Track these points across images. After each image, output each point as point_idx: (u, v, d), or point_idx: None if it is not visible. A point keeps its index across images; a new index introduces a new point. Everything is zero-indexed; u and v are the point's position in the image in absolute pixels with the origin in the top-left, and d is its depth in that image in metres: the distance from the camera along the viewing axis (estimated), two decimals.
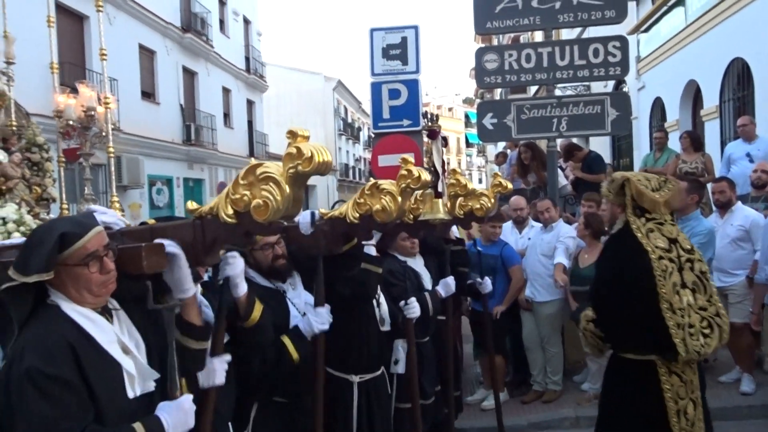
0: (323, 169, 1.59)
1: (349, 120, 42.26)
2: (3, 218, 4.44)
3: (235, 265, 2.23)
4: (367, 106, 44.20)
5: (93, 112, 5.53)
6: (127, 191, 14.22)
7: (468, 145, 59.91)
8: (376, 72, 7.25)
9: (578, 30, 11.43)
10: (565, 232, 5.24)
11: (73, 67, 12.33)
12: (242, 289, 2.30)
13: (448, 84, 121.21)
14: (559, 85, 8.78)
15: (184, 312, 1.86)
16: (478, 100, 30.48)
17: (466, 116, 58.40)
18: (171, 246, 1.75)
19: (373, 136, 7.94)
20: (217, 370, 2.07)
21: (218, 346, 2.14)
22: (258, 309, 2.39)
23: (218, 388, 2.09)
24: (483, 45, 14.65)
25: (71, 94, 5.57)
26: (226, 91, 21.89)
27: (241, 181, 1.65)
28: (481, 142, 39.52)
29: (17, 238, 3.49)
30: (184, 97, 18.40)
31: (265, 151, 25.60)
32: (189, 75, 18.93)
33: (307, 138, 1.61)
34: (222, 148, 20.30)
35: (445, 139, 2.53)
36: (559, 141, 7.39)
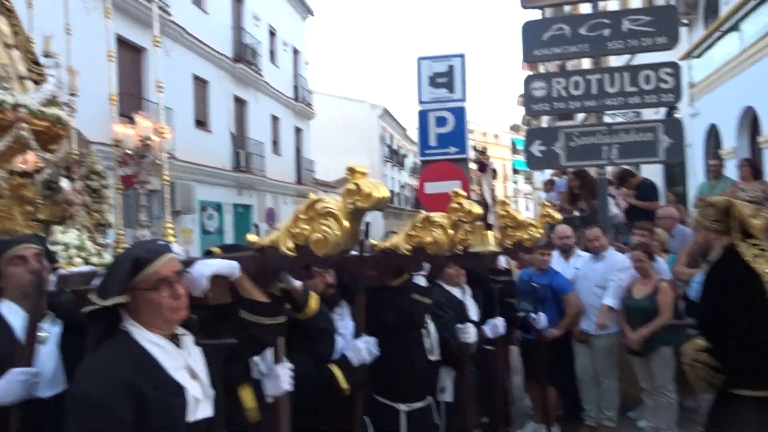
0: (381, 205, 1.62)
1: (395, 147, 42.60)
2: (66, 244, 4.64)
3: None
4: (413, 134, 44.65)
5: (149, 142, 5.76)
6: (179, 216, 14.64)
7: (515, 171, 59.44)
8: (424, 100, 7.33)
9: (627, 56, 11.29)
10: (618, 262, 5.11)
11: (130, 97, 12.88)
12: (295, 281, 2.27)
13: (494, 110, 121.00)
14: (609, 112, 8.67)
15: (244, 291, 1.89)
16: (525, 127, 30.29)
17: (513, 143, 58.08)
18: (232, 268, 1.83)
19: (420, 163, 7.99)
20: (281, 376, 2.08)
21: (279, 353, 2.14)
22: (315, 297, 2.39)
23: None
24: (531, 72, 14.59)
25: (129, 125, 5.82)
26: (274, 119, 22.44)
27: (301, 215, 1.69)
28: (528, 169, 39.23)
29: (83, 266, 3.64)
30: (235, 125, 18.94)
31: (312, 177, 26.01)
32: (239, 103, 19.51)
33: (365, 174, 1.65)
34: (270, 175, 20.73)
35: (494, 171, 2.54)
36: (609, 168, 7.27)
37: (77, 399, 1.56)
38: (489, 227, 2.46)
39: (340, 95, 37.95)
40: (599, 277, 5.08)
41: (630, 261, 4.98)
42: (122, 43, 12.83)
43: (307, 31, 26.60)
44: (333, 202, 1.66)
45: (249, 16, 20.25)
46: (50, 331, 2.36)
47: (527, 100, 7.26)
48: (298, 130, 25.10)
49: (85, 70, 6.87)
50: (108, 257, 5.13)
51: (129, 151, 5.77)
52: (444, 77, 7.29)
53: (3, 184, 5.12)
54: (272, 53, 22.56)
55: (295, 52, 25.02)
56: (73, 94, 6.05)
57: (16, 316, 2.32)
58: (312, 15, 26.48)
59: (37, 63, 5.72)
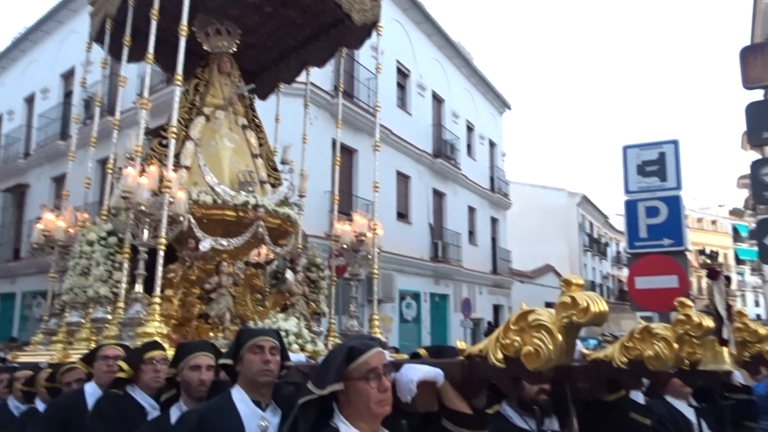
0: (600, 320, 1.54)
1: (595, 235, 40.50)
2: (286, 330, 5.05)
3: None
4: (615, 221, 42.07)
5: (363, 238, 6.20)
6: (380, 305, 15.30)
7: (738, 262, 52.53)
8: (631, 189, 6.92)
9: None
10: None
11: (342, 194, 14.10)
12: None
13: (709, 193, 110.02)
14: None
15: (447, 400, 1.86)
16: (749, 212, 26.92)
17: (735, 230, 51.73)
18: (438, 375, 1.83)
19: (629, 255, 7.47)
20: None
21: None
22: None
23: None
24: (759, 156, 13.14)
25: (346, 221, 6.35)
26: (471, 210, 22.85)
27: (512, 326, 1.67)
28: (758, 260, 34.40)
29: (299, 354, 3.94)
30: (433, 217, 19.63)
31: (509, 267, 25.65)
32: (438, 196, 20.27)
33: (581, 286, 1.59)
34: (466, 265, 20.89)
35: (728, 278, 2.26)
36: None
37: None
38: (723, 342, 2.16)
39: (537, 184, 37.55)
40: None
41: None
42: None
43: (504, 124, 27.18)
44: (546, 314, 1.62)
45: (448, 114, 21.36)
46: (271, 421, 2.48)
47: (756, 186, 6.51)
48: (494, 221, 25.19)
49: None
50: (320, 345, 5.50)
51: (345, 246, 6.29)
52: (654, 165, 6.86)
53: (240, 274, 5.85)
54: (469, 147, 23.34)
55: (492, 144, 25.59)
56: (302, 195, 6.82)
57: (243, 404, 2.51)
58: (509, 109, 27.07)
59: (275, 168, 6.62)
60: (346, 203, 14.71)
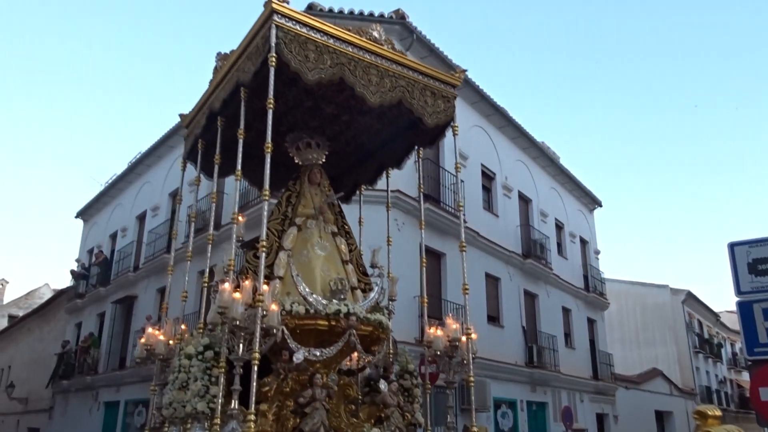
0: None
1: (706, 335, 37.41)
2: None
3: None
4: (726, 319, 38.83)
5: (457, 343, 6.01)
6: (475, 414, 14.60)
7: None
8: (743, 290, 6.45)
9: None
10: None
11: (431, 299, 14.00)
12: None
13: None
14: None
15: None
16: None
17: None
18: None
19: (749, 362, 6.81)
20: None
21: None
22: None
23: None
24: None
25: (439, 327, 6.19)
26: (566, 311, 21.92)
27: None
28: None
29: None
30: (526, 319, 18.96)
31: (611, 371, 23.99)
32: (530, 297, 19.68)
33: (718, 419, 1.47)
34: (564, 370, 19.75)
35: None
36: None
37: None
38: None
39: (635, 281, 35.70)
40: None
41: None
42: (426, 250, 14.38)
43: (595, 221, 26.52)
44: None
45: (536, 214, 21.18)
46: None
47: None
48: (591, 321, 23.96)
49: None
50: None
51: (438, 352, 6.09)
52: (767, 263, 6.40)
53: (333, 386, 5.76)
54: (560, 246, 22.80)
55: (583, 242, 24.89)
56: (392, 299, 6.65)
57: None
58: (599, 206, 26.50)
59: (365, 273, 6.60)
60: (435, 307, 14.55)
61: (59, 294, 27.05)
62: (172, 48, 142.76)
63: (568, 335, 21.74)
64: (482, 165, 18.34)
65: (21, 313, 33.85)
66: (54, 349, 23.86)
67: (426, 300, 7.08)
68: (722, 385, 38.05)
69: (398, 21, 14.38)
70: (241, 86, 5.43)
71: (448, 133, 6.83)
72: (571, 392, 20.40)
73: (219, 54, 6.46)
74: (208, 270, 6.00)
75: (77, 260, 26.04)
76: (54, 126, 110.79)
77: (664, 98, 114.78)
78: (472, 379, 5.88)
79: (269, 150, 5.02)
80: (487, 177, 18.89)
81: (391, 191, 13.18)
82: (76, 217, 27.67)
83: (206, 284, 5.86)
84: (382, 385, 5.89)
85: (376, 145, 7.11)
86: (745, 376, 35.46)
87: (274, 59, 4.99)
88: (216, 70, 6.39)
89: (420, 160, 7.47)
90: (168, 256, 18.21)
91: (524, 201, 20.84)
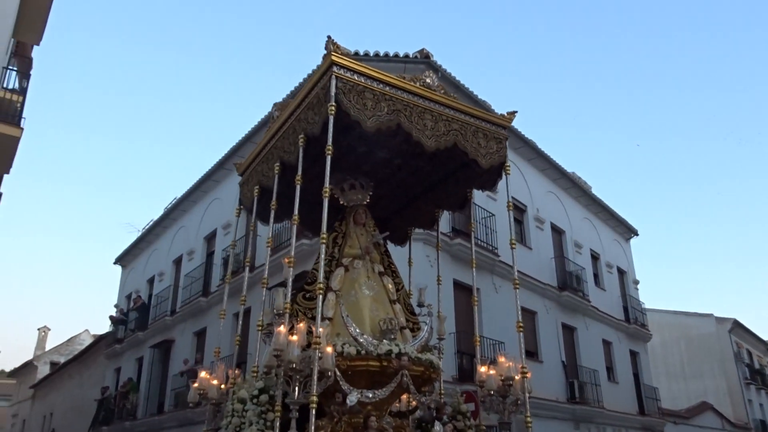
0: None
1: (756, 366, 35.84)
2: None
3: None
4: None
5: (511, 382, 5.77)
6: None
7: None
8: None
9: None
10: None
11: (467, 335, 13.80)
12: None
13: None
14: None
15: None
16: None
17: None
18: None
19: None
20: None
21: None
22: None
23: None
24: None
25: (491, 366, 5.96)
26: (606, 344, 21.30)
27: None
28: None
29: None
30: (565, 354, 18.49)
31: (657, 406, 23.09)
32: (568, 331, 19.22)
33: None
34: (608, 406, 19.09)
35: None
36: None
37: None
38: None
39: (678, 310, 34.58)
40: None
41: None
42: (458, 285, 14.26)
43: (633, 251, 25.96)
44: None
45: (570, 246, 20.84)
46: None
47: None
48: (634, 354, 23.20)
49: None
50: None
51: (492, 392, 5.81)
52: None
53: (389, 429, 5.54)
54: (597, 277, 22.32)
55: (621, 272, 24.33)
56: (441, 338, 6.56)
57: None
58: (636, 234, 25.98)
59: (412, 312, 6.52)
60: (470, 344, 14.32)
61: (99, 339, 27.49)
62: (209, 93, 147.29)
63: (610, 369, 21.06)
64: (513, 198, 18.20)
65: (62, 360, 34.43)
66: (94, 395, 24.14)
67: (478, 339, 7.00)
68: None
69: (423, 60, 14.60)
70: (304, 135, 5.58)
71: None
72: (616, 429, 19.68)
73: (276, 104, 6.69)
74: (261, 314, 5.91)
75: (116, 306, 26.52)
76: (91, 173, 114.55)
77: (699, 123, 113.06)
78: (529, 419, 5.67)
79: (327, 194, 5.13)
80: (519, 209, 18.75)
81: (423, 229, 13.17)
82: (115, 263, 28.30)
83: (260, 329, 5.85)
84: (438, 427, 5.76)
85: (428, 186, 7.12)
86: None
87: (333, 108, 5.16)
88: (272, 119, 6.60)
89: (471, 201, 7.57)
90: (204, 300, 18.50)
91: (557, 232, 20.56)
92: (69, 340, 40.10)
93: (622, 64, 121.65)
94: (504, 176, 6.49)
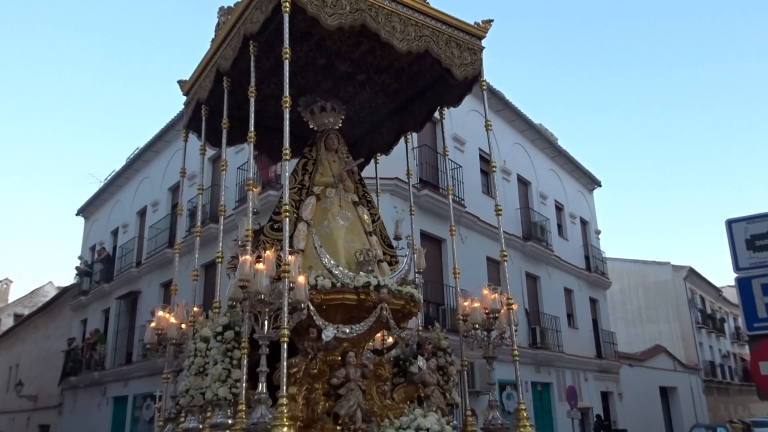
0: None
1: (708, 311, 37.55)
2: (426, 429, 4.41)
3: None
4: (729, 293, 38.94)
5: (496, 315, 5.54)
6: (479, 397, 14.71)
7: None
8: (742, 266, 6.45)
9: None
10: None
11: (432, 284, 14.07)
12: None
13: None
14: None
15: None
16: None
17: None
18: None
19: (747, 338, 6.87)
20: None
21: None
22: None
23: None
24: None
25: (476, 299, 5.68)
26: (568, 292, 22.00)
27: None
28: None
29: None
30: (529, 301, 19.05)
31: (614, 350, 24.14)
32: (532, 280, 19.76)
33: None
34: (568, 350, 19.88)
35: None
36: None
37: None
38: None
39: (637, 259, 35.77)
40: None
41: None
42: (425, 236, 14.42)
43: (595, 201, 26.53)
44: None
45: (536, 197, 21.19)
46: None
47: None
48: (593, 301, 24.05)
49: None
50: None
51: (477, 326, 5.56)
52: (765, 239, 6.42)
53: (369, 364, 5.20)
54: (560, 227, 22.84)
55: (584, 223, 24.92)
56: (419, 272, 6.13)
57: None
58: (599, 186, 26.49)
59: (390, 246, 6.09)
60: (437, 292, 14.62)
61: (63, 291, 27.20)
62: (170, 41, 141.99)
63: (570, 316, 21.84)
64: (480, 149, 18.32)
65: (26, 312, 34.04)
66: (60, 347, 24.04)
67: (458, 271, 6.68)
68: (726, 360, 38.26)
69: None
70: (250, 39, 5.04)
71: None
72: (575, 372, 20.55)
73: (222, 8, 5.87)
74: (220, 250, 5.50)
75: (80, 257, 26.13)
76: (51, 124, 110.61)
77: (660, 72, 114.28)
78: (516, 353, 5.55)
79: (287, 105, 4.60)
80: (485, 161, 18.87)
81: (389, 178, 13.14)
82: (77, 214, 27.72)
83: (219, 260, 5.42)
84: (420, 362, 5.47)
85: (393, 108, 6.59)
86: (748, 350, 35.67)
87: (288, 4, 4.59)
88: (219, 26, 5.84)
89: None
90: (170, 251, 18.29)
91: (523, 184, 20.84)
92: (32, 292, 39.54)
93: (588, 11, 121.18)
94: (482, 92, 5.90)
